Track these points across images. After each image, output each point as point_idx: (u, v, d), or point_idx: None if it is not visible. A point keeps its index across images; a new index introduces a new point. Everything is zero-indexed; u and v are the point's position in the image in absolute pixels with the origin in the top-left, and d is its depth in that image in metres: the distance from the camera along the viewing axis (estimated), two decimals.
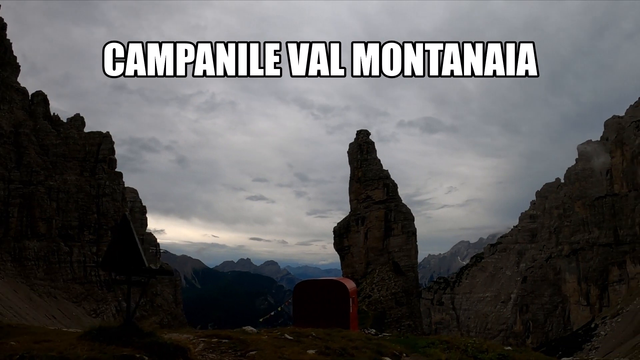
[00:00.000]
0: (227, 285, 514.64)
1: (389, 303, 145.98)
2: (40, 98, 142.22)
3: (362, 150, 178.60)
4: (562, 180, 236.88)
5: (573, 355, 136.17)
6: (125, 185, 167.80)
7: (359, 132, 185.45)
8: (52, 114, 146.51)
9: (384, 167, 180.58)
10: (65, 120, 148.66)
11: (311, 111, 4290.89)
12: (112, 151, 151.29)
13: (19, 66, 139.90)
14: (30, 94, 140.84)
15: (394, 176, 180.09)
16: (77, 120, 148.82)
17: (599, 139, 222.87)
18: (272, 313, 48.95)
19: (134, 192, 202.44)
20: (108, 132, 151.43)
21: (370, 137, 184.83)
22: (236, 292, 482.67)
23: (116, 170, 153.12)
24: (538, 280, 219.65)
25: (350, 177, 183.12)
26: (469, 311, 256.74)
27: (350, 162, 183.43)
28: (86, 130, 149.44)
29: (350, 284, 30.10)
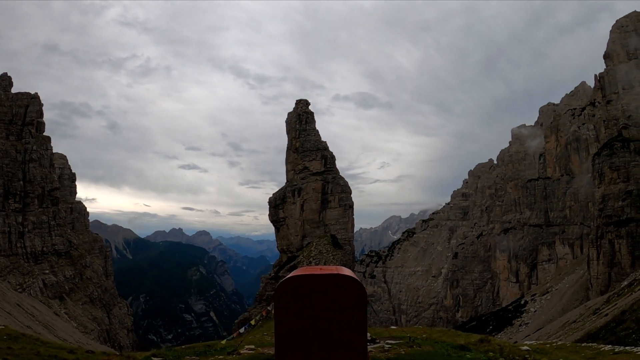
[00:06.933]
0: (159, 256, 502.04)
1: None
2: None
3: (300, 120, 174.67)
4: (495, 162, 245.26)
5: (504, 330, 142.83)
6: (54, 151, 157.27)
7: (298, 102, 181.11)
8: None
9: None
10: None
11: (247, 80, 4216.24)
12: (41, 114, 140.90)
13: None
14: None
15: None
16: (4, 80, 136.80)
17: (532, 124, 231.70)
18: (242, 330, 39.61)
19: (63, 158, 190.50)
20: (36, 94, 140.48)
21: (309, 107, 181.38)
22: (168, 262, 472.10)
23: (45, 134, 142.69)
24: (469, 256, 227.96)
25: (288, 147, 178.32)
26: (400, 284, 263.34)
27: (288, 132, 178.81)
28: (13, 91, 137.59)
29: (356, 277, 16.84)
